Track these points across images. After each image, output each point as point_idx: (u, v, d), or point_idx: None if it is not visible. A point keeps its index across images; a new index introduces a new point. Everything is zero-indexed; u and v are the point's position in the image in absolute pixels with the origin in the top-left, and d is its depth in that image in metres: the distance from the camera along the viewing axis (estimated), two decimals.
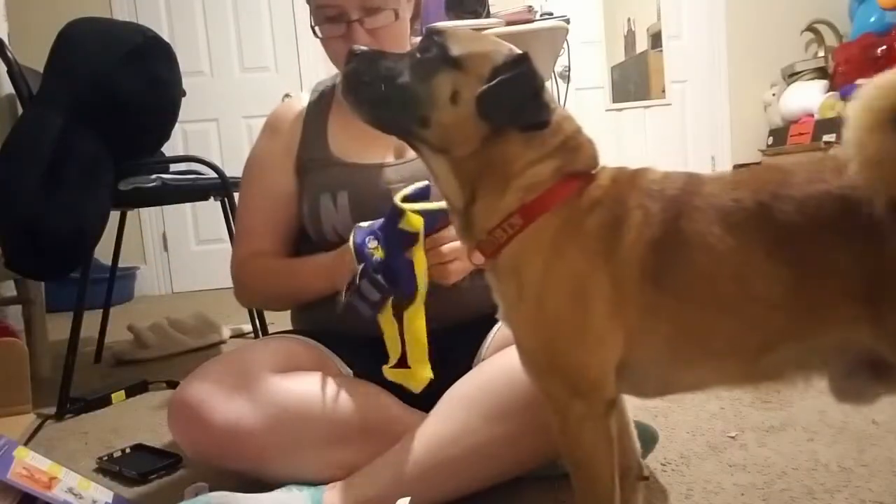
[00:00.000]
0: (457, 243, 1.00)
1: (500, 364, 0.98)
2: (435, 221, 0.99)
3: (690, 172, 0.76)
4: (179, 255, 4.18)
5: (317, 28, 1.13)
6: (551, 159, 0.76)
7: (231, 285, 1.24)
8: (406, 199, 1.00)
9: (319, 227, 1.15)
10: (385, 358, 1.11)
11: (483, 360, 1.09)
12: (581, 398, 0.75)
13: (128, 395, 1.79)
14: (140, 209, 3.81)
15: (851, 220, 0.63)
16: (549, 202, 0.75)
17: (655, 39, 4.29)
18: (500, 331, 1.12)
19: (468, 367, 1.06)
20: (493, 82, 0.72)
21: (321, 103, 1.24)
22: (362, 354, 1.10)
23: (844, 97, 3.58)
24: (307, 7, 1.17)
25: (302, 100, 1.27)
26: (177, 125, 1.94)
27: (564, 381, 0.76)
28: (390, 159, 1.18)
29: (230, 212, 2.03)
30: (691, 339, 0.72)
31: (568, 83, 3.54)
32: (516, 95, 0.73)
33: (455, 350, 1.10)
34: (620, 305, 0.72)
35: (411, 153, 1.13)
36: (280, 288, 1.19)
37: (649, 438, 1.07)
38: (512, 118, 0.73)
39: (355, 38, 1.09)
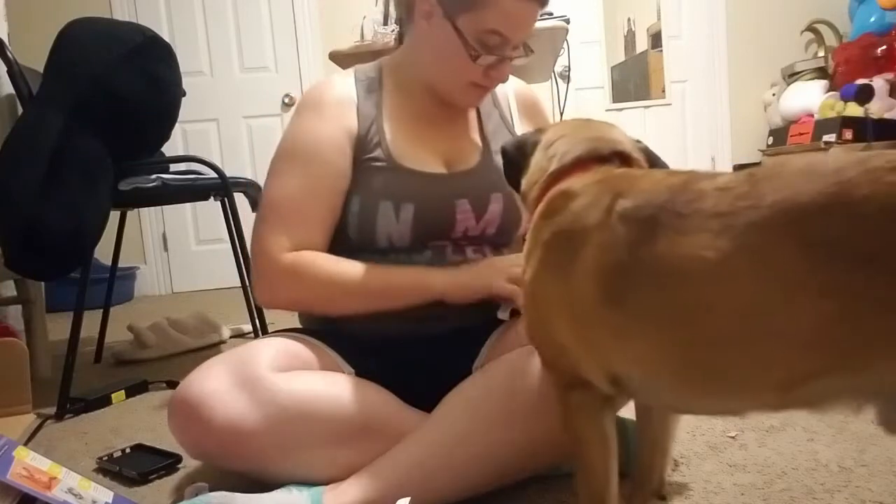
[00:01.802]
0: None
1: (502, 368, 0.98)
2: None
3: (689, 178, 0.66)
4: (179, 255, 4.18)
5: (474, 52, 1.07)
6: (534, 177, 0.88)
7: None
8: None
9: (371, 232, 1.10)
10: (388, 358, 1.11)
11: (483, 363, 1.09)
12: (574, 390, 0.76)
13: (128, 395, 1.79)
14: (140, 209, 3.82)
15: None
16: (534, 208, 0.84)
17: (655, 39, 4.29)
18: (501, 335, 1.12)
19: (469, 371, 1.06)
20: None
21: (373, 95, 1.17)
22: (364, 354, 1.10)
23: (844, 97, 3.58)
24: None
25: (341, 83, 1.17)
26: (177, 125, 1.94)
27: (553, 374, 0.80)
28: (443, 169, 1.16)
29: (230, 212, 2.03)
30: (689, 371, 0.63)
31: (568, 83, 3.54)
32: (510, 152, 0.97)
33: (456, 352, 1.11)
34: (580, 321, 0.70)
35: (460, 164, 1.17)
36: (362, 298, 1.08)
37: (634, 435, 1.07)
38: (509, 170, 0.98)
39: (503, 70, 1.12)
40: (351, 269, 1.08)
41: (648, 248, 0.63)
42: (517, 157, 0.94)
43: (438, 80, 1.15)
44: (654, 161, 0.89)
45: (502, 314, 1.09)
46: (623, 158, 0.83)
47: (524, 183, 0.91)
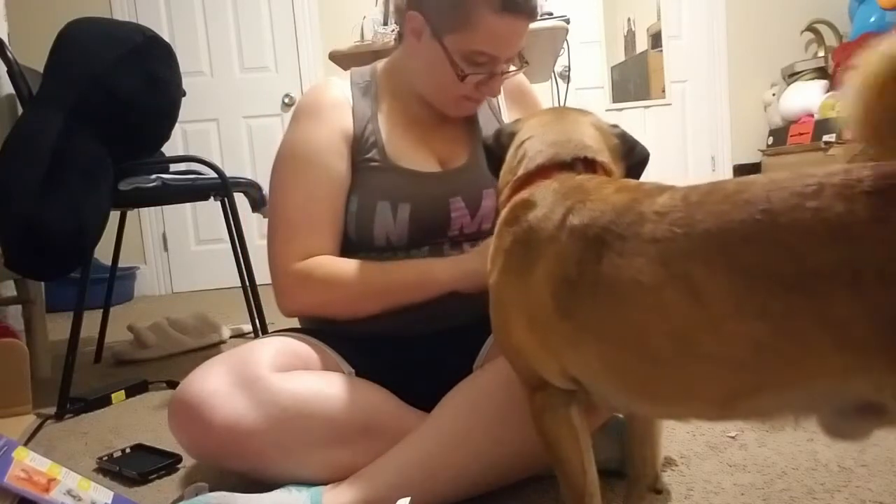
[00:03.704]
0: None
1: (502, 367, 0.98)
2: None
3: (634, 198, 0.67)
4: (179, 255, 4.18)
5: (463, 69, 1.08)
6: (506, 176, 0.89)
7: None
8: None
9: (369, 231, 1.11)
10: (388, 358, 1.11)
11: (483, 363, 1.09)
12: (538, 390, 0.78)
13: (128, 395, 1.79)
14: (140, 209, 3.82)
15: (868, 259, 0.51)
16: (502, 209, 0.85)
17: (655, 39, 4.29)
18: None
19: (468, 370, 1.06)
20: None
21: (368, 98, 1.18)
22: (364, 353, 1.10)
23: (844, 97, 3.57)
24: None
25: (336, 86, 1.18)
26: (177, 125, 1.94)
27: (519, 375, 0.81)
28: (437, 168, 1.17)
29: (230, 212, 2.03)
30: (631, 382, 0.66)
31: (568, 83, 3.54)
32: (491, 142, 0.97)
33: (456, 352, 1.11)
34: (537, 326, 0.73)
35: (454, 161, 1.18)
36: (372, 299, 1.08)
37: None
38: (490, 160, 0.98)
39: (494, 85, 1.12)
40: (357, 270, 1.08)
41: (593, 267, 0.66)
42: (496, 149, 0.95)
43: (429, 94, 1.16)
44: (632, 147, 0.90)
45: None
46: (587, 163, 0.83)
47: (499, 180, 0.93)
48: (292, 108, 4.22)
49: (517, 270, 0.75)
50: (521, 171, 0.85)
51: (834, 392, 0.56)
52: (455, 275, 1.07)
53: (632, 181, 0.74)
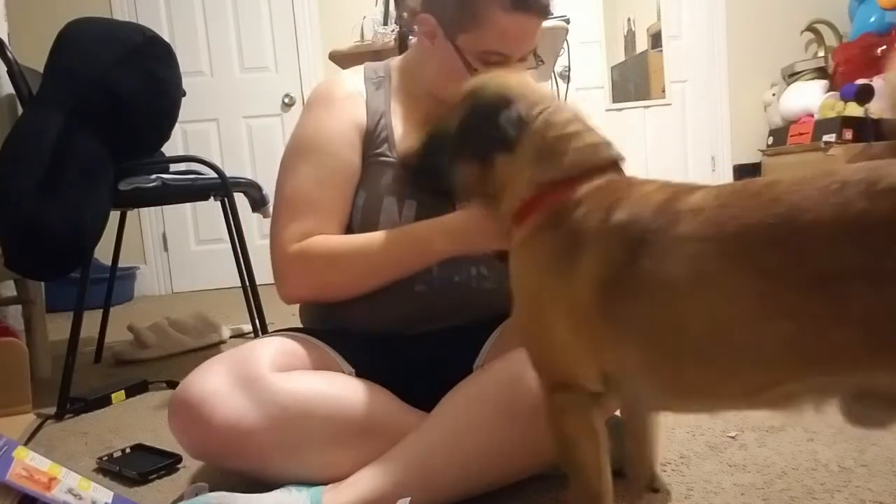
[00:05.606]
0: None
1: (503, 366, 0.98)
2: None
3: (671, 196, 0.69)
4: (179, 255, 4.18)
5: (476, 69, 1.07)
6: (527, 170, 0.82)
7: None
8: None
9: (374, 226, 1.11)
10: (388, 358, 1.11)
11: (484, 362, 1.09)
12: (560, 392, 0.78)
13: (128, 395, 1.79)
14: (140, 209, 3.82)
15: (893, 256, 0.52)
16: (526, 213, 0.81)
17: (655, 39, 4.29)
18: (501, 334, 1.11)
19: (469, 370, 1.06)
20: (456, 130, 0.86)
21: (381, 93, 1.18)
22: (364, 353, 1.10)
23: (844, 97, 3.58)
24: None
25: (351, 79, 1.19)
26: (177, 125, 1.94)
27: (542, 375, 0.81)
28: None
29: (230, 212, 2.03)
30: (667, 379, 0.69)
31: (568, 83, 3.54)
32: (475, 133, 0.84)
33: (457, 352, 1.11)
34: (580, 324, 0.73)
35: None
36: (369, 270, 1.07)
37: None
38: (478, 151, 0.85)
39: None
40: (354, 248, 1.07)
41: (634, 267, 0.67)
42: (488, 129, 0.83)
43: (445, 94, 1.15)
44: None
45: None
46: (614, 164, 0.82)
47: (514, 173, 0.83)
48: (293, 108, 4.20)
49: (559, 272, 0.74)
50: (563, 173, 0.79)
51: (859, 384, 0.58)
52: (452, 242, 1.05)
53: (661, 180, 0.75)
